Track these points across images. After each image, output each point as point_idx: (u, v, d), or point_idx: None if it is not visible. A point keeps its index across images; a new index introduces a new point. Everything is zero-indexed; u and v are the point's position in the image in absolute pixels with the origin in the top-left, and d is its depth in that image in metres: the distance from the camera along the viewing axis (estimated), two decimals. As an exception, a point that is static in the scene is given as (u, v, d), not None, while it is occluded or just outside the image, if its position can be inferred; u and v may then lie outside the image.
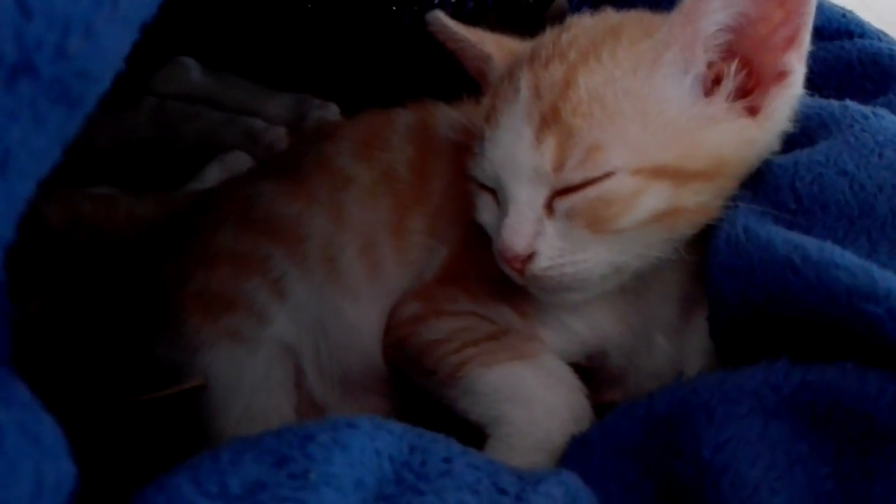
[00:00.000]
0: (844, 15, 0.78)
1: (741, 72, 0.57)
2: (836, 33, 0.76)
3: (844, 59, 0.74)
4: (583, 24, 0.62)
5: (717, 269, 0.55)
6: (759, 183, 0.58)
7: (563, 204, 0.57)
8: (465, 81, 0.79)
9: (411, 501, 0.37)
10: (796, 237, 0.51)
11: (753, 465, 0.45)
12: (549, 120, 0.57)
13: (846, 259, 0.47)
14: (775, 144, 0.60)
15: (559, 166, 0.56)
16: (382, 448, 0.38)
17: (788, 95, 0.58)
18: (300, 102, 1.07)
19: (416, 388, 0.70)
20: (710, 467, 0.46)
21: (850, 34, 0.76)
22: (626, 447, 0.54)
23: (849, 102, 0.62)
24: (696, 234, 0.59)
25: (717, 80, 0.58)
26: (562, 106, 0.56)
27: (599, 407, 0.63)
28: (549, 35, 0.63)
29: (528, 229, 0.58)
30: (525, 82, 0.59)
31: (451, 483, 0.38)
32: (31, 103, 0.30)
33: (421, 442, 0.40)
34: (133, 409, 0.60)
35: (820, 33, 0.77)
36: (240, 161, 1.00)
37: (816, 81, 0.72)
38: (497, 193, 0.62)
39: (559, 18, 0.69)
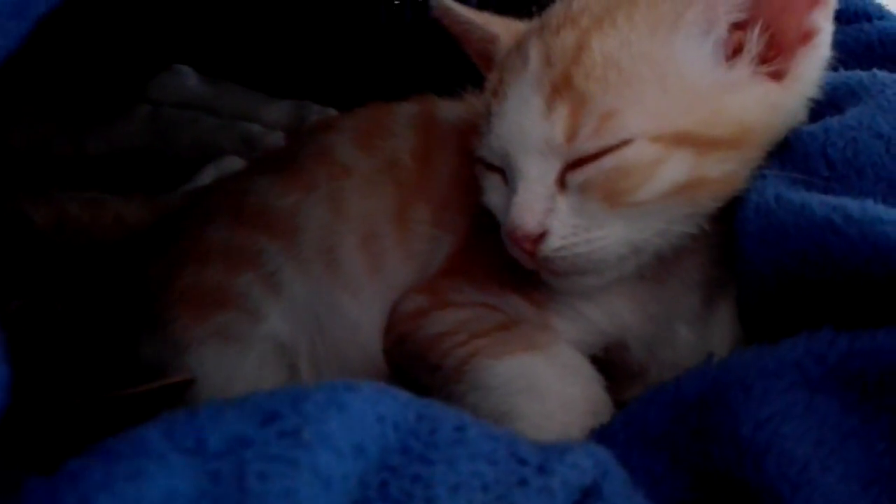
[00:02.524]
0: (862, -3, 0.75)
1: (763, 36, 0.54)
2: (855, 16, 0.74)
3: (864, 41, 0.72)
4: (594, -8, 0.59)
5: (747, 239, 0.51)
6: (787, 152, 0.54)
7: (576, 177, 0.54)
8: (467, 80, 0.76)
9: (420, 472, 0.32)
10: (833, 199, 0.47)
11: (801, 441, 0.40)
12: (561, 87, 0.53)
13: (892, 214, 0.43)
14: (802, 113, 0.57)
15: (572, 136, 0.53)
16: (386, 414, 0.33)
17: (817, 56, 0.54)
18: (299, 109, 1.04)
19: (419, 388, 0.65)
20: (751, 446, 0.41)
21: (868, 16, 0.73)
22: (653, 436, 0.49)
23: (877, 70, 0.58)
24: (721, 208, 0.55)
25: (737, 49, 0.55)
26: (574, 72, 0.53)
27: (620, 406, 0.59)
28: (559, 5, 0.60)
29: (538, 206, 0.54)
30: (534, 51, 0.56)
31: (464, 452, 0.33)
32: None
33: (430, 411, 0.36)
34: (116, 405, 0.55)
35: (839, 17, 0.74)
36: (236, 165, 0.96)
37: (837, 64, 0.69)
38: (505, 172, 0.58)
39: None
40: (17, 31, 0.29)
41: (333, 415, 0.31)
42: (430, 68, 0.93)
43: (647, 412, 0.50)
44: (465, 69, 0.75)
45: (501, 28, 0.67)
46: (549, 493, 0.33)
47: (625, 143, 0.52)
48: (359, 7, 0.95)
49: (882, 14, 0.74)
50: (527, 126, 0.54)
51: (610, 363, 0.62)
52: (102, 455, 0.28)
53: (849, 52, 0.73)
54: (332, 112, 1.04)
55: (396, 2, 0.90)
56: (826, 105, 0.57)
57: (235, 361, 0.65)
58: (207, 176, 0.95)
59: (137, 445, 0.28)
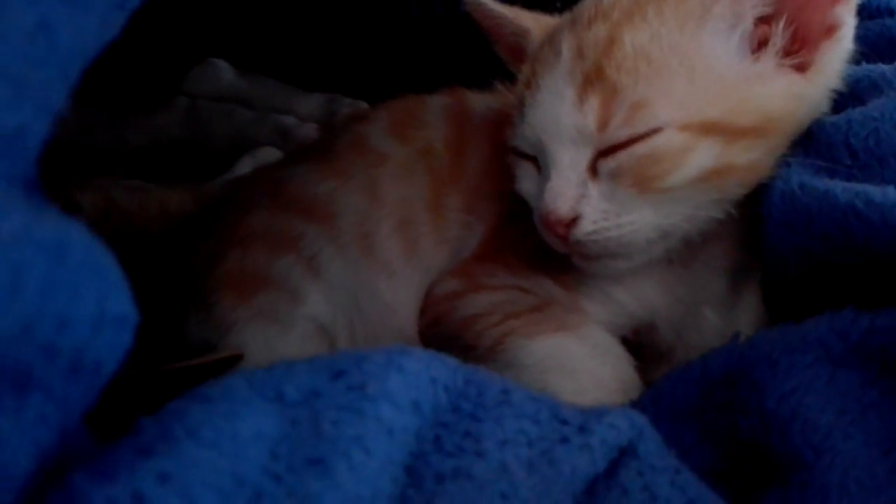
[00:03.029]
0: (885, -7, 0.77)
1: (788, 29, 0.56)
2: (877, 11, 0.75)
3: (887, 36, 0.73)
4: (624, -12, 0.62)
5: (772, 224, 0.53)
6: (811, 141, 0.57)
7: (607, 164, 0.56)
8: (496, 73, 0.79)
9: (469, 429, 0.35)
10: (856, 185, 0.49)
11: (823, 411, 0.43)
12: (593, 78, 0.56)
13: (913, 199, 0.45)
14: (825, 104, 0.59)
15: (603, 125, 0.55)
16: (438, 376, 0.36)
17: (840, 49, 0.56)
18: (331, 102, 1.07)
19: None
20: (776, 416, 0.44)
21: (891, 12, 0.75)
22: (681, 411, 0.51)
23: (899, 63, 0.60)
24: (747, 195, 0.57)
25: (762, 42, 0.57)
26: (605, 63, 0.55)
27: (648, 386, 0.61)
28: (590, 0, 0.62)
29: (571, 192, 0.57)
30: (567, 44, 0.58)
31: (510, 411, 0.36)
32: None
33: (476, 376, 0.38)
34: (169, 377, 0.58)
35: (861, 12, 0.76)
36: (271, 156, 1.00)
37: (859, 57, 0.71)
38: (538, 160, 0.61)
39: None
40: (118, 21, 0.32)
41: (392, 374, 0.34)
42: (459, 61, 0.95)
43: (675, 388, 0.52)
44: (493, 63, 0.78)
45: (532, 22, 0.69)
46: (588, 450, 0.35)
47: (655, 131, 0.54)
48: (390, 1, 0.97)
49: (905, 9, 0.75)
50: (560, 115, 0.57)
51: (638, 345, 0.64)
52: (199, 398, 0.31)
53: (871, 46, 0.74)
54: (364, 105, 1.07)
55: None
56: (848, 96, 0.59)
57: (277, 340, 0.68)
58: (245, 166, 0.98)
59: (228, 392, 0.31)
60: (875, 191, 0.47)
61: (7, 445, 0.24)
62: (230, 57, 1.13)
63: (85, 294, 0.26)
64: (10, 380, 0.24)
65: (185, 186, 0.92)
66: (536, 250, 0.62)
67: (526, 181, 0.63)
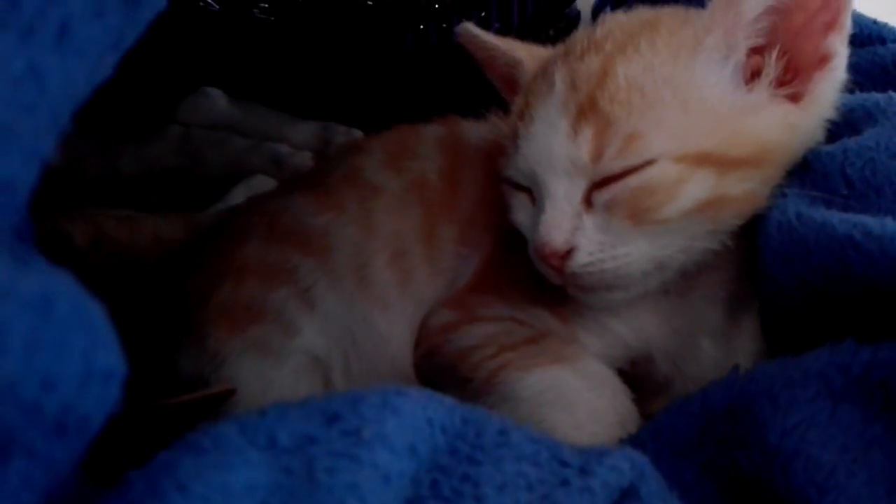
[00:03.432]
0: (875, 22, 0.77)
1: (781, 60, 0.57)
2: (869, 39, 0.76)
3: (879, 64, 0.73)
4: (617, 20, 0.62)
5: (769, 255, 0.53)
6: (806, 171, 0.57)
7: (602, 196, 0.56)
8: (489, 102, 0.79)
9: (468, 472, 0.34)
10: (853, 216, 0.49)
11: (826, 447, 0.42)
12: (586, 110, 0.56)
13: (910, 230, 0.45)
14: (819, 133, 0.59)
15: (597, 156, 0.55)
16: (434, 417, 0.36)
17: (833, 79, 0.57)
18: (325, 130, 1.07)
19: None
20: (778, 453, 0.43)
21: (882, 40, 0.75)
22: (681, 445, 0.51)
23: (892, 93, 0.61)
24: (742, 225, 0.57)
25: (755, 72, 0.57)
26: (599, 95, 0.55)
27: (646, 418, 0.60)
28: (582, 32, 0.63)
29: (566, 224, 0.57)
30: (560, 75, 0.59)
31: (509, 453, 0.35)
32: None
33: (473, 415, 0.38)
34: (160, 414, 0.58)
35: (853, 40, 0.76)
36: (265, 184, 0.99)
37: (853, 86, 0.71)
38: (532, 191, 0.61)
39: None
40: (111, 62, 0.31)
41: (388, 417, 0.33)
42: (453, 91, 0.96)
43: (674, 422, 0.52)
44: (486, 92, 0.78)
45: (525, 53, 0.70)
46: (590, 493, 0.34)
47: (648, 163, 0.54)
48: (385, 31, 0.98)
49: (895, 37, 0.76)
50: (554, 147, 0.57)
51: (635, 376, 0.64)
52: (189, 448, 0.30)
53: (864, 74, 0.75)
54: (358, 133, 1.07)
55: (421, 27, 0.93)
56: (843, 126, 0.59)
57: (271, 373, 0.67)
58: (238, 194, 0.98)
59: (219, 441, 0.30)
60: (873, 222, 0.47)
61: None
62: (224, 85, 1.13)
63: (71, 350, 0.25)
64: (-7, 445, 0.23)
65: (178, 215, 0.92)
66: (532, 281, 0.62)
67: (520, 212, 0.63)
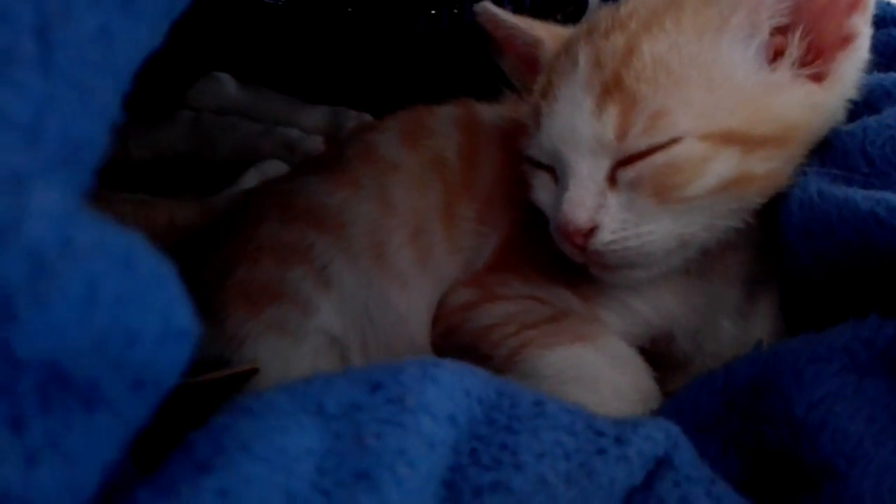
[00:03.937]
0: (889, 3, 0.77)
1: (804, 40, 0.57)
2: (882, 21, 0.76)
3: (893, 46, 0.74)
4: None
5: (791, 232, 0.53)
6: (827, 150, 0.57)
7: (626, 174, 0.56)
8: (503, 86, 0.79)
9: (506, 441, 0.35)
10: (876, 193, 0.49)
11: (853, 419, 0.43)
12: (611, 88, 0.56)
13: (936, 206, 0.45)
14: (841, 113, 0.59)
15: (622, 134, 0.55)
16: (471, 388, 0.36)
17: (856, 59, 0.57)
18: (336, 114, 1.07)
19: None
20: (805, 425, 0.43)
21: (896, 21, 0.76)
22: (704, 422, 0.51)
23: (912, 72, 0.61)
24: (765, 204, 0.57)
25: (779, 52, 0.57)
26: (624, 73, 0.55)
27: (666, 396, 0.61)
28: (606, 10, 0.63)
29: (590, 202, 0.57)
30: (584, 54, 0.59)
31: (545, 423, 0.36)
32: None
33: (508, 388, 0.38)
34: (186, 393, 0.58)
35: (867, 21, 0.76)
36: (277, 168, 0.99)
37: (871, 68, 0.71)
38: (555, 169, 0.61)
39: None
40: (163, 29, 0.32)
41: (429, 386, 0.33)
42: (465, 75, 0.96)
43: (697, 398, 0.52)
44: (498, 76, 0.78)
45: (544, 32, 0.70)
46: (626, 461, 0.35)
47: (674, 141, 0.54)
48: (397, 15, 0.97)
49: (910, 19, 0.76)
50: (578, 125, 0.57)
51: (656, 354, 0.64)
52: (244, 413, 0.31)
53: (879, 54, 0.75)
54: (368, 117, 1.07)
55: (433, 12, 0.93)
56: (863, 105, 0.60)
57: (290, 353, 0.67)
58: (251, 179, 0.98)
59: (272, 406, 0.31)
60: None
61: (79, 464, 0.23)
62: (234, 70, 1.13)
63: (152, 307, 0.25)
64: (80, 396, 0.23)
65: (192, 199, 0.92)
66: (552, 260, 0.62)
67: (542, 191, 0.63)
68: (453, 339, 0.68)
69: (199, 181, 1.07)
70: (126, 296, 0.24)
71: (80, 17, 0.25)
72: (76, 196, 0.26)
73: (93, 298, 0.23)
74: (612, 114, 0.55)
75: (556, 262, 0.62)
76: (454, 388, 0.35)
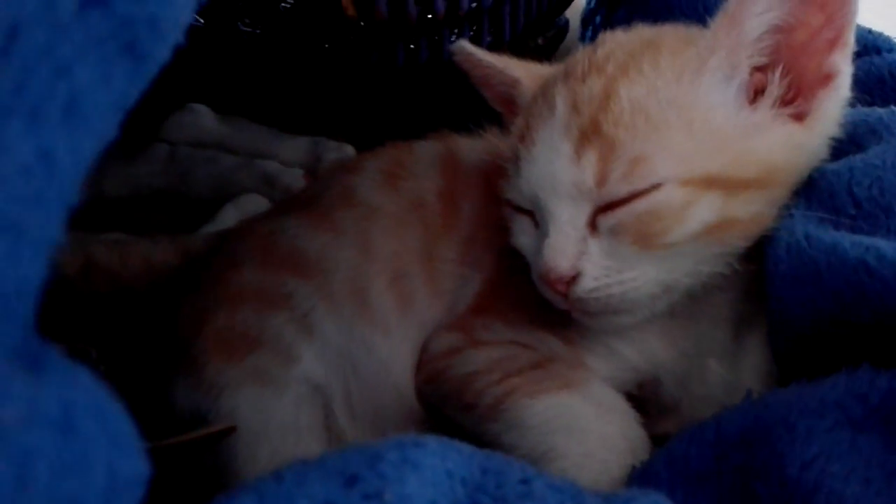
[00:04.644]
0: (871, 31, 0.77)
1: (784, 79, 0.56)
2: (865, 50, 0.75)
3: (876, 74, 0.73)
4: (617, 39, 0.61)
5: (779, 279, 0.52)
6: (812, 190, 0.56)
7: (607, 220, 0.55)
8: (485, 118, 0.78)
9: (491, 527, 0.33)
10: (865, 239, 0.48)
11: (848, 480, 0.41)
12: (590, 133, 0.55)
13: (926, 256, 0.44)
14: (824, 151, 0.58)
15: (602, 180, 0.54)
16: (454, 469, 0.34)
17: (837, 97, 0.56)
18: (315, 145, 1.05)
19: (453, 427, 0.66)
20: (798, 486, 0.42)
21: (878, 49, 0.75)
22: (697, 475, 0.50)
23: (894, 107, 0.60)
24: (750, 247, 0.56)
25: (759, 91, 0.57)
26: (602, 119, 0.54)
27: (653, 439, 0.60)
28: (582, 52, 0.62)
29: (571, 249, 0.56)
30: (561, 98, 0.58)
31: (531, 506, 0.34)
32: (99, 43, 0.27)
33: (492, 464, 0.37)
34: (157, 454, 0.56)
35: (848, 50, 0.76)
36: (255, 203, 0.97)
37: (854, 101, 0.71)
38: (535, 214, 0.60)
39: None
40: (117, 122, 0.30)
41: (409, 473, 0.32)
42: (445, 106, 0.95)
43: (688, 450, 0.51)
44: (479, 108, 0.77)
45: (522, 72, 0.69)
46: (616, 544, 0.34)
47: (654, 187, 0.53)
48: (376, 46, 0.96)
49: (891, 47, 0.76)
50: (557, 171, 0.56)
51: (642, 398, 0.63)
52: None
53: (861, 85, 0.74)
54: (349, 148, 1.06)
55: (412, 46, 0.92)
56: (847, 143, 0.59)
57: (271, 404, 0.66)
58: (228, 214, 0.96)
59: (238, 517, 0.29)
60: (886, 246, 0.46)
61: None
62: (210, 101, 1.11)
63: (96, 466, 0.24)
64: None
65: (169, 239, 0.90)
66: (536, 304, 0.61)
67: (523, 236, 0.62)
68: (436, 386, 0.66)
69: (176, 217, 1.04)
70: (65, 464, 0.23)
71: (13, 147, 0.23)
72: (8, 358, 0.24)
73: (26, 479, 0.21)
74: (591, 160, 0.54)
75: (540, 305, 0.60)
76: (436, 470, 0.34)
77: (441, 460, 0.34)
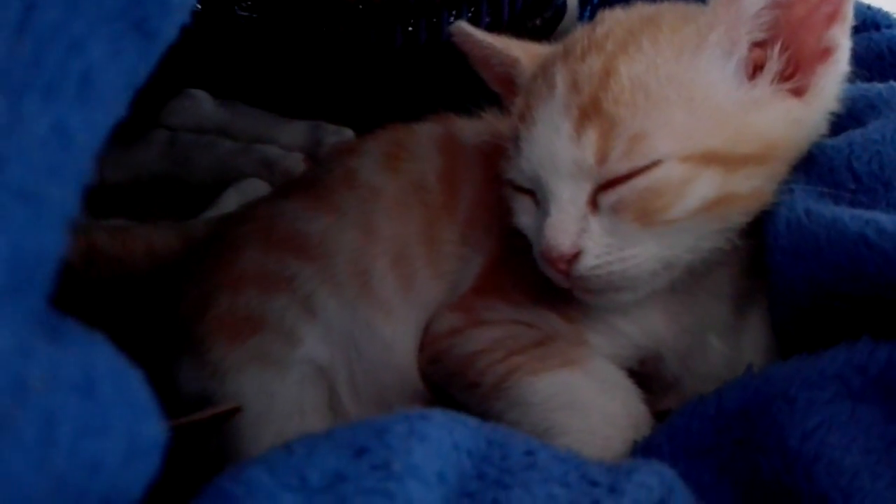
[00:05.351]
0: (870, 7, 0.77)
1: (783, 54, 0.56)
2: (863, 25, 0.76)
3: (874, 50, 0.73)
4: (616, 17, 0.61)
5: (779, 253, 0.53)
6: (812, 165, 0.56)
7: (608, 198, 0.55)
8: (484, 99, 0.78)
9: (497, 497, 0.34)
10: (865, 213, 0.49)
11: (848, 450, 0.42)
12: (590, 112, 0.55)
13: (925, 228, 0.45)
14: (823, 126, 0.58)
15: (602, 158, 0.54)
16: (460, 441, 0.35)
17: (836, 72, 0.56)
18: (315, 129, 1.05)
19: (457, 407, 0.66)
20: (799, 457, 0.43)
21: (876, 25, 0.75)
22: (698, 448, 0.50)
23: (893, 82, 0.60)
24: (750, 222, 0.56)
25: (758, 66, 0.57)
26: (602, 96, 0.55)
27: (655, 416, 0.60)
28: (581, 30, 0.62)
29: (572, 227, 0.56)
30: (561, 77, 0.58)
31: (537, 476, 0.35)
32: (111, 19, 0.27)
33: (497, 436, 0.37)
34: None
35: (846, 26, 0.76)
36: (256, 188, 0.98)
37: (852, 77, 0.71)
38: (536, 194, 0.60)
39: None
40: (127, 100, 0.30)
41: (416, 445, 0.32)
42: (444, 88, 0.95)
43: (690, 424, 0.51)
44: (478, 89, 0.77)
45: (521, 52, 0.68)
46: (620, 512, 0.34)
47: (655, 164, 0.53)
48: (374, 29, 0.96)
49: (890, 22, 0.76)
50: (557, 150, 0.56)
51: (644, 375, 0.63)
52: (220, 498, 0.29)
53: (859, 60, 0.74)
54: (348, 131, 1.06)
55: (410, 28, 0.92)
56: (846, 117, 0.59)
57: (275, 386, 0.66)
58: (229, 199, 0.96)
59: (250, 487, 0.30)
60: (886, 219, 0.47)
61: None
62: (209, 86, 1.11)
63: (116, 429, 0.24)
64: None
65: (169, 224, 0.90)
66: (537, 283, 0.61)
67: (524, 215, 0.62)
68: (440, 366, 0.67)
69: (177, 203, 1.05)
70: (86, 426, 0.23)
71: (31, 121, 0.23)
72: (30, 322, 0.24)
73: (50, 440, 0.22)
74: (591, 138, 0.54)
75: (542, 284, 0.61)
76: (443, 442, 0.34)
77: (448, 432, 0.35)
